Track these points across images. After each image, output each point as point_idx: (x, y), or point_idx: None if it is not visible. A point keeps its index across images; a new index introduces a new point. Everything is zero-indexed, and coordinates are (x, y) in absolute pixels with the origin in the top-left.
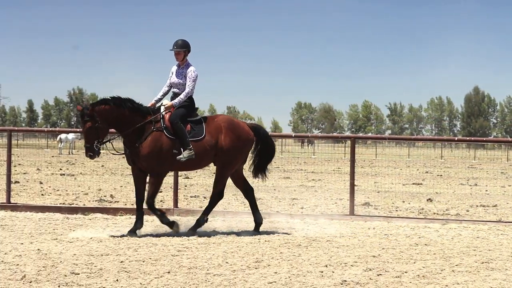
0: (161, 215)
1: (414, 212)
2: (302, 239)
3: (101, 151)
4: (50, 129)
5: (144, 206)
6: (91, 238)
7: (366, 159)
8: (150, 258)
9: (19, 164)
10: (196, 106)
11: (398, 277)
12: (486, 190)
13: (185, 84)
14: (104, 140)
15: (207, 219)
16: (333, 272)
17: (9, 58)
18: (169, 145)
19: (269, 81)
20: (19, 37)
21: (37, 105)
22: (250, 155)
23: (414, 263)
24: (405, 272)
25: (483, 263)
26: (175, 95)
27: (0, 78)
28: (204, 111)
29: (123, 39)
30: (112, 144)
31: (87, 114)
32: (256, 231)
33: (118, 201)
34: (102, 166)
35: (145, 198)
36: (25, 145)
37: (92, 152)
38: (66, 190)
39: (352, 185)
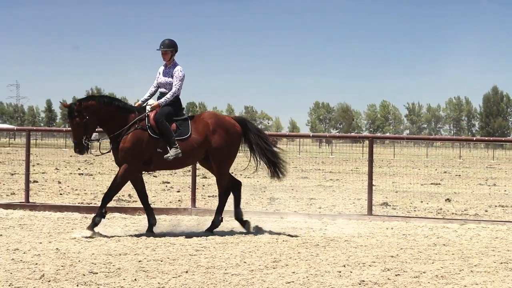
0: (101, 214)
1: (433, 212)
2: (320, 239)
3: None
4: (69, 128)
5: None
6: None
7: (384, 159)
8: (168, 258)
9: (38, 164)
10: (182, 106)
11: (416, 277)
12: (505, 190)
13: (172, 83)
14: (92, 139)
15: (222, 218)
16: (351, 272)
17: (28, 58)
18: (149, 144)
19: (287, 80)
20: (38, 37)
21: (55, 104)
22: (240, 153)
23: (433, 263)
24: (424, 273)
25: (501, 263)
26: (162, 95)
27: (19, 78)
28: (222, 110)
29: (139, 39)
30: (99, 144)
31: (75, 109)
32: (244, 226)
33: (136, 201)
34: None
35: (107, 190)
36: (44, 144)
37: (80, 148)
38: (85, 190)
39: (370, 185)
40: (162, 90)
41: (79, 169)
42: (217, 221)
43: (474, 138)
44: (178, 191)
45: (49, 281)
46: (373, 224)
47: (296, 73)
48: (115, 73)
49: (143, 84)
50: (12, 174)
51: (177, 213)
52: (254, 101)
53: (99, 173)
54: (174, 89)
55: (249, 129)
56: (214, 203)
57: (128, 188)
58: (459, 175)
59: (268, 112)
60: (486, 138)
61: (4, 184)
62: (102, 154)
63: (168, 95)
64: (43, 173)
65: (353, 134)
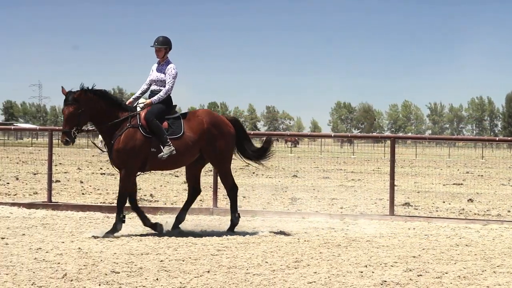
0: (121, 220)
1: (455, 212)
2: (342, 239)
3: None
4: (91, 128)
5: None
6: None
7: (406, 159)
8: (190, 257)
9: (60, 164)
10: (174, 104)
11: (439, 277)
12: None
13: (165, 81)
14: (81, 129)
15: (239, 214)
16: (373, 272)
17: (50, 57)
18: (143, 143)
19: (309, 80)
20: (60, 36)
21: None
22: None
23: (455, 264)
24: (446, 273)
25: None
26: (153, 93)
27: (41, 78)
28: (244, 110)
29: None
30: (101, 142)
31: (73, 98)
32: (175, 228)
33: (157, 200)
34: None
35: (118, 197)
36: None
37: (68, 138)
38: (107, 189)
39: (392, 185)
40: (155, 87)
41: (101, 168)
42: (235, 219)
43: (497, 138)
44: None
45: (71, 281)
46: (395, 225)
47: (317, 73)
48: (137, 72)
49: None
50: (35, 174)
51: (198, 213)
52: (275, 101)
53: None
54: (167, 87)
55: (239, 129)
56: None
57: (150, 188)
58: (482, 176)
59: (290, 112)
60: (509, 138)
61: (26, 184)
62: (105, 151)
63: (161, 93)
64: (65, 172)
65: (374, 134)
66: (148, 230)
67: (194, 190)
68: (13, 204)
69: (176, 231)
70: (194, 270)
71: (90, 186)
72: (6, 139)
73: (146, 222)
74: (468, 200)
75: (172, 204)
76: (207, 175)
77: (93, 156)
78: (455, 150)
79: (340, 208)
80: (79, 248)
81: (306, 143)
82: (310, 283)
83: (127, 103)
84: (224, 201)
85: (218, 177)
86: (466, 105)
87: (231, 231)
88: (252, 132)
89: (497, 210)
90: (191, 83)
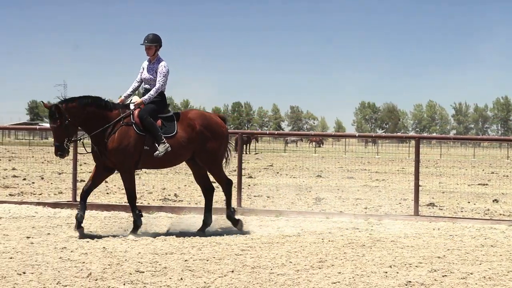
0: (138, 216)
1: (480, 213)
2: (366, 240)
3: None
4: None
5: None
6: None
7: (431, 159)
8: (214, 257)
9: (85, 163)
10: (167, 103)
11: (464, 278)
12: None
13: (156, 79)
14: (73, 139)
15: (234, 209)
16: (397, 272)
17: (74, 57)
18: (138, 140)
19: (333, 80)
20: (84, 36)
21: None
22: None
23: (480, 264)
24: (471, 274)
25: None
26: (146, 91)
27: (66, 77)
28: (268, 110)
29: (186, 38)
30: (83, 143)
31: (56, 111)
32: (201, 231)
33: (182, 200)
34: None
35: (127, 197)
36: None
37: (62, 151)
38: None
39: (417, 186)
40: (146, 86)
41: None
42: (230, 213)
43: None
44: None
45: (96, 280)
46: (420, 225)
47: (341, 73)
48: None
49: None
50: (60, 173)
51: (222, 212)
52: (299, 101)
53: (145, 172)
54: (157, 85)
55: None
56: (259, 203)
57: (174, 188)
58: (507, 176)
59: (314, 112)
60: None
61: (52, 183)
62: (86, 152)
63: (151, 92)
64: (90, 172)
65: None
66: (172, 230)
67: (207, 190)
68: (38, 204)
69: (202, 233)
70: (218, 270)
71: (115, 185)
72: (31, 139)
73: (81, 215)
74: (493, 201)
75: (196, 203)
76: (231, 175)
77: None
78: (480, 150)
79: (364, 208)
80: (104, 247)
81: (330, 143)
82: (334, 283)
83: (118, 101)
84: (248, 201)
85: (242, 178)
86: (491, 105)
87: (234, 226)
88: (276, 132)
89: None
90: (215, 83)
